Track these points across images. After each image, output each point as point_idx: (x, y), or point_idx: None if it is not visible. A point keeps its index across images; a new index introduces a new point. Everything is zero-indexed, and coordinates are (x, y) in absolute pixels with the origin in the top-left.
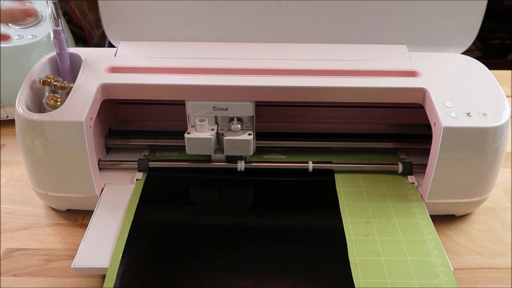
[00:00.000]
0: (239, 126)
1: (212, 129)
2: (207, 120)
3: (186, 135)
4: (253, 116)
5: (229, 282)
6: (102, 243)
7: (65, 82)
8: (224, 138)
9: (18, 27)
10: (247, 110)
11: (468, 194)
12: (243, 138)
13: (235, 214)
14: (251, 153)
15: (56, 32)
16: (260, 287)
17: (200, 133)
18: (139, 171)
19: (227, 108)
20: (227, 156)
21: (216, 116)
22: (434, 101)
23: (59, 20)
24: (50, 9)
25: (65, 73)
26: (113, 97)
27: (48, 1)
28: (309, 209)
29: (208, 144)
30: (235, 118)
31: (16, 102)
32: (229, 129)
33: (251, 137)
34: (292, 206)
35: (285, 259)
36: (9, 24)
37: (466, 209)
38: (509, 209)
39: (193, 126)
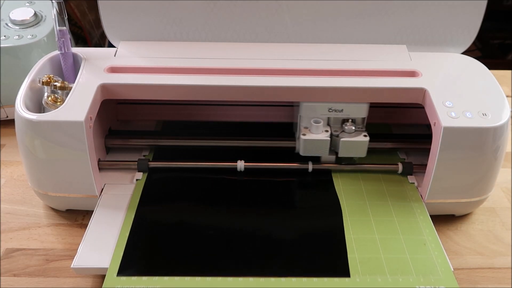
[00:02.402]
0: (353, 127)
1: (326, 131)
2: (322, 121)
3: (302, 137)
4: (365, 117)
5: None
6: (102, 243)
7: (65, 82)
8: (341, 139)
9: (18, 27)
10: (361, 111)
11: (468, 194)
12: (360, 139)
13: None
14: (365, 154)
15: (61, 32)
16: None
17: (315, 134)
18: (139, 171)
19: (342, 110)
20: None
21: (329, 118)
22: (434, 101)
23: (65, 19)
24: (55, 9)
25: (68, 73)
26: (113, 97)
27: (53, 1)
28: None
29: (324, 145)
30: (350, 120)
31: (16, 102)
32: (343, 131)
33: (367, 138)
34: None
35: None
36: (9, 24)
37: (466, 209)
38: (509, 209)
39: (306, 128)
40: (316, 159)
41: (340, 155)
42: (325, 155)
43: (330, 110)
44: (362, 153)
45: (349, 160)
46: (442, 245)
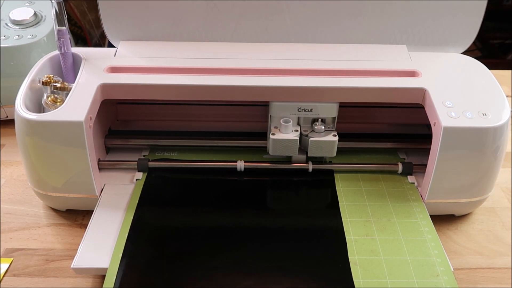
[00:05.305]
0: (323, 127)
1: (296, 130)
2: (291, 121)
3: (271, 136)
4: (335, 117)
5: (229, 282)
6: (102, 243)
7: (65, 83)
8: (310, 139)
9: (18, 27)
10: (331, 111)
11: (468, 194)
12: (329, 139)
13: (234, 214)
14: (335, 154)
15: (60, 32)
16: (260, 287)
17: (284, 134)
18: (138, 171)
19: (312, 109)
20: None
21: (299, 117)
22: (434, 101)
23: (64, 19)
24: (54, 9)
25: (67, 73)
26: (113, 97)
27: (53, 1)
28: (309, 209)
29: (293, 145)
30: (319, 119)
31: (16, 102)
32: (313, 130)
33: (336, 138)
34: (292, 206)
35: (285, 259)
36: (9, 24)
37: (466, 209)
38: (509, 209)
39: (275, 127)
40: (315, 159)
41: (309, 154)
42: (294, 154)
43: (300, 110)
44: (331, 152)
45: (348, 160)
46: (442, 245)
